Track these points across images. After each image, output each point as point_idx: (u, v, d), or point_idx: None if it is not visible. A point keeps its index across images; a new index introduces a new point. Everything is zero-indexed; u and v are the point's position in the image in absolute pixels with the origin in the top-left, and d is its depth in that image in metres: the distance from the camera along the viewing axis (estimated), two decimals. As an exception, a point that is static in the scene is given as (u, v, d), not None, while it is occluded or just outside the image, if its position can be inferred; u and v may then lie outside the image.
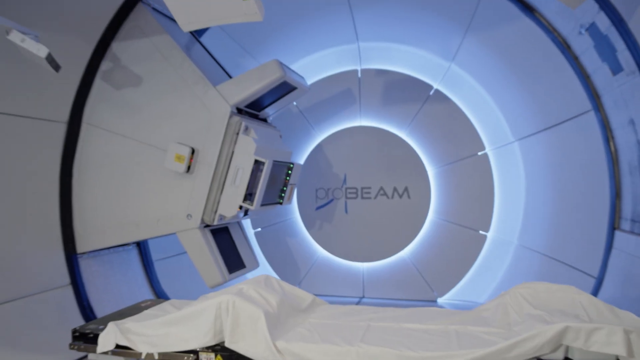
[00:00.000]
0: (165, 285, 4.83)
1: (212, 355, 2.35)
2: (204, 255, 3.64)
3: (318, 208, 5.56)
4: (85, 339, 2.64)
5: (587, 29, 3.33)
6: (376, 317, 2.72)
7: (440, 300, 5.23)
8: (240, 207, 3.56)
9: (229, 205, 3.51)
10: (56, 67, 2.79)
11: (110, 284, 4.22)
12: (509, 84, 4.68)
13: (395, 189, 5.29)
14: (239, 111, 3.63)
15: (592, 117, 3.67)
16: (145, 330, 2.42)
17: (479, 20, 4.33)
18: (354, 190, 5.43)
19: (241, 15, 2.43)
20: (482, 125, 5.10)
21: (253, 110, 3.89)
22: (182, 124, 3.57)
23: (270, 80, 3.44)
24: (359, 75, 5.45)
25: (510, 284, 4.87)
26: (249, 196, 3.50)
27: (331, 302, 5.38)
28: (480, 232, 5.10)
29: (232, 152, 3.48)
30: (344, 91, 5.51)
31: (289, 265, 5.72)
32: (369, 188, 5.38)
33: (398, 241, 5.30)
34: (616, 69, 3.22)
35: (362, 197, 5.41)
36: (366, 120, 5.46)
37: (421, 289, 5.27)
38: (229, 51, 4.85)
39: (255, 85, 3.44)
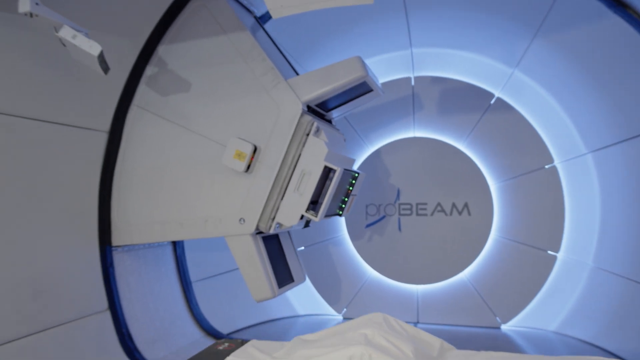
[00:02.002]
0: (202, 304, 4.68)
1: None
2: (254, 265, 3.39)
3: (368, 225, 5.35)
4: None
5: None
6: None
7: (504, 327, 4.93)
8: (302, 217, 3.34)
9: (290, 214, 3.27)
10: (106, 68, 2.70)
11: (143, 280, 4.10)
12: (582, 91, 4.42)
13: (454, 205, 5.05)
14: (308, 109, 3.41)
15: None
16: None
17: (552, 21, 4.11)
18: (408, 207, 5.21)
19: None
20: (550, 136, 4.84)
21: (321, 109, 3.67)
22: (244, 118, 3.34)
23: (351, 79, 3.22)
24: (412, 83, 5.27)
25: (585, 309, 4.56)
26: (311, 205, 3.26)
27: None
28: (549, 252, 4.80)
29: (299, 155, 3.24)
30: (395, 100, 5.34)
31: (335, 287, 5.51)
32: (425, 204, 5.16)
33: (457, 262, 5.03)
34: None
35: (418, 214, 5.18)
36: (421, 131, 5.26)
37: (483, 315, 4.97)
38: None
39: (333, 83, 3.22)
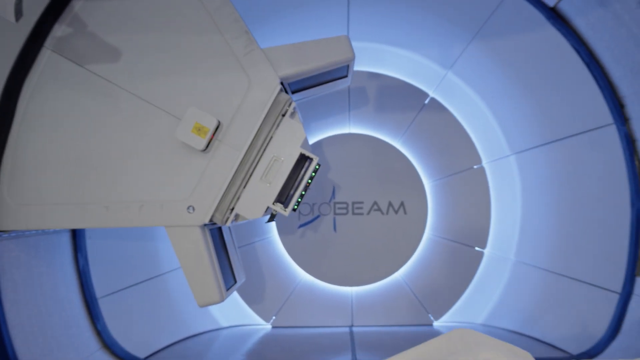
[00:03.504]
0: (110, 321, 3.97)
1: None
2: (202, 263, 2.91)
3: (301, 226, 5.10)
4: None
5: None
6: None
7: (436, 324, 5.10)
8: (266, 209, 2.96)
9: (254, 205, 2.86)
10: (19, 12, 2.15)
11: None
12: (511, 96, 4.79)
13: (390, 204, 5.07)
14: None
15: (613, 131, 3.86)
16: None
17: (491, 27, 4.37)
18: (344, 206, 5.09)
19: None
20: (479, 137, 5.16)
21: (285, 90, 3.31)
22: (205, 86, 2.83)
23: (337, 60, 2.91)
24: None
25: (509, 301, 4.94)
26: (277, 197, 2.90)
27: (315, 334, 4.97)
28: (477, 248, 5.11)
29: (270, 138, 2.86)
30: (330, 94, 5.17)
31: (263, 294, 5.13)
32: (362, 203, 5.09)
33: (393, 262, 5.06)
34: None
35: (354, 213, 5.09)
36: (356, 127, 5.19)
37: (417, 313, 5.08)
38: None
39: (317, 61, 2.88)
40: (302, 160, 2.92)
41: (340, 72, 3.22)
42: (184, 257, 2.92)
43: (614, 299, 3.90)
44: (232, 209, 2.88)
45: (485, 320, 5.01)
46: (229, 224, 2.92)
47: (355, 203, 5.09)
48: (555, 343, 4.33)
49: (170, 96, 2.83)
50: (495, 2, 4.16)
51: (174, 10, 2.87)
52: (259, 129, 2.80)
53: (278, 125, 2.85)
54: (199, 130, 2.68)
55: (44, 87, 2.87)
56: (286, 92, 3.21)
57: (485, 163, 5.16)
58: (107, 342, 3.91)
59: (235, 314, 5.13)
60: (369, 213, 5.09)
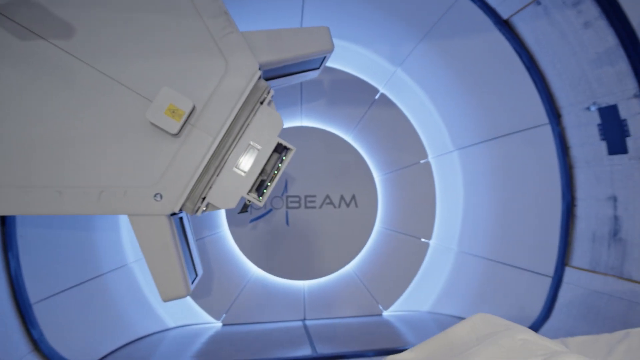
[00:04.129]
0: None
1: None
2: (168, 255, 2.76)
3: (253, 220, 5.02)
4: None
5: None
6: None
7: (385, 314, 5.29)
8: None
9: (227, 194, 2.75)
10: None
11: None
12: (455, 95, 5.08)
13: (342, 197, 5.16)
14: None
15: (548, 131, 4.25)
16: None
17: (440, 29, 4.59)
18: (297, 199, 5.09)
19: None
20: (425, 133, 5.41)
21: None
22: (178, 66, 2.66)
23: (317, 51, 2.88)
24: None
25: (453, 289, 5.26)
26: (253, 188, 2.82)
27: (269, 329, 4.95)
28: (423, 240, 5.37)
29: (247, 126, 2.76)
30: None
31: (213, 291, 4.99)
32: (314, 196, 5.12)
33: (345, 254, 5.17)
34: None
35: (306, 207, 5.10)
36: (308, 120, 5.20)
37: (367, 304, 5.23)
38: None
39: (297, 50, 2.83)
40: (278, 149, 2.88)
41: (313, 64, 3.21)
42: (148, 249, 2.74)
43: (547, 282, 4.32)
44: (204, 198, 2.75)
45: (431, 307, 5.30)
46: (199, 214, 2.80)
47: (307, 196, 5.12)
48: (496, 325, 4.70)
49: (139, 75, 2.63)
50: (447, 4, 4.38)
51: None
52: (236, 116, 2.70)
53: (255, 113, 2.76)
54: (173, 112, 2.52)
55: None
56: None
57: (431, 158, 5.43)
58: (45, 352, 3.59)
59: (183, 313, 4.93)
60: (321, 206, 5.14)
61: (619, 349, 1.88)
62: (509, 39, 4.23)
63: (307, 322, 5.04)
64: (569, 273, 4.23)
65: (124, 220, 4.83)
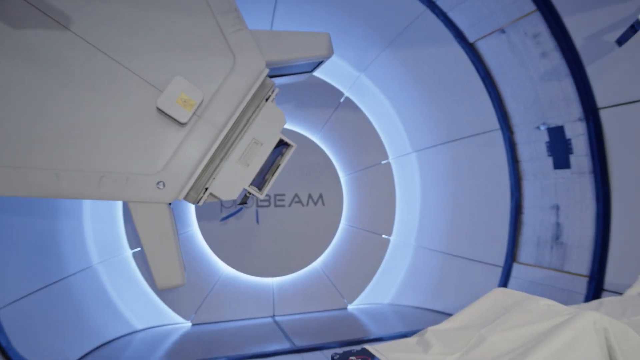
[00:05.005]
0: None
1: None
2: (167, 243, 2.81)
3: (223, 219, 5.08)
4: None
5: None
6: None
7: (350, 307, 5.57)
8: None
9: (230, 186, 2.85)
10: None
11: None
12: (414, 100, 5.49)
13: (310, 196, 5.38)
14: None
15: (499, 135, 4.77)
16: None
17: (405, 38, 4.97)
18: (267, 198, 5.23)
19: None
20: (386, 135, 5.78)
21: None
22: (187, 58, 2.72)
23: (317, 55, 3.05)
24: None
25: (412, 281, 5.67)
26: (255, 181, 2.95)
27: (240, 327, 5.04)
28: (384, 236, 5.73)
29: (252, 121, 2.87)
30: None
31: (182, 291, 4.98)
32: (283, 195, 5.29)
33: (312, 251, 5.38)
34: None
35: (276, 205, 5.26)
36: (277, 121, 5.35)
37: (333, 299, 5.48)
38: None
39: (300, 52, 2.98)
40: (279, 145, 3.03)
41: (308, 67, 3.40)
42: (147, 236, 2.78)
43: (498, 272, 4.83)
44: (207, 188, 2.84)
45: (392, 300, 5.66)
46: (201, 203, 2.89)
47: (277, 195, 5.28)
48: (455, 313, 5.15)
49: (149, 64, 2.67)
50: (412, 16, 4.76)
51: None
52: (243, 111, 2.81)
53: (261, 109, 2.89)
54: (185, 102, 2.60)
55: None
56: None
57: (391, 159, 5.81)
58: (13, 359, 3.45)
59: (151, 314, 4.88)
60: (290, 205, 5.32)
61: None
62: (467, 52, 4.69)
63: (277, 318, 5.19)
64: (516, 267, 4.75)
65: (87, 215, 4.69)
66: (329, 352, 4.13)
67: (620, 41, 2.94)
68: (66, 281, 4.26)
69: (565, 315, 1.81)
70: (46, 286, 4.05)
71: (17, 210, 3.91)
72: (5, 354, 3.40)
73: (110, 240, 4.86)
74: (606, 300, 2.45)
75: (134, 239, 4.88)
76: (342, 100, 5.60)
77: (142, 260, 4.90)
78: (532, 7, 3.68)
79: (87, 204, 4.71)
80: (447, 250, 5.35)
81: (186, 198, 2.81)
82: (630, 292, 2.67)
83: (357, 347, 2.07)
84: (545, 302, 2.03)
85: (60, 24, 2.53)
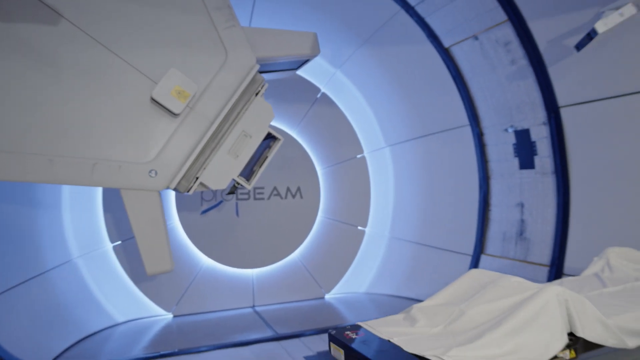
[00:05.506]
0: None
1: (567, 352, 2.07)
2: (157, 229, 2.90)
3: (204, 212, 5.18)
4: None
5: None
6: None
7: (327, 296, 5.79)
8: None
9: (219, 176, 2.98)
10: None
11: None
12: (388, 97, 5.74)
13: (288, 189, 5.55)
14: None
15: (468, 131, 5.07)
16: (485, 351, 1.93)
17: (380, 37, 5.20)
18: (246, 191, 5.36)
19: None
20: (361, 130, 6.01)
21: None
22: (181, 51, 2.82)
23: (304, 54, 3.19)
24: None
25: (386, 271, 5.94)
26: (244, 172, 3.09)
27: (221, 317, 5.17)
28: (360, 227, 5.97)
29: (242, 114, 2.99)
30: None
31: (162, 283, 5.06)
32: (262, 188, 5.44)
33: (290, 243, 5.56)
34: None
35: (255, 198, 5.40)
36: (256, 116, 5.48)
37: (311, 289, 5.69)
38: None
39: (287, 50, 3.12)
40: (267, 138, 3.19)
41: (294, 65, 3.56)
42: (138, 223, 2.86)
43: (467, 261, 5.15)
44: (197, 177, 2.95)
45: (368, 289, 5.92)
46: (191, 192, 3.00)
47: (256, 188, 5.42)
48: (427, 299, 5.46)
49: (144, 56, 2.76)
50: (387, 16, 4.98)
51: None
52: (234, 105, 2.93)
53: (251, 103, 3.03)
54: (179, 93, 2.71)
55: None
56: None
57: (366, 153, 6.05)
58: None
59: (132, 307, 4.94)
60: (269, 198, 5.47)
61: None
62: (439, 52, 4.96)
63: (257, 308, 5.35)
64: (484, 258, 5.07)
65: (66, 209, 4.69)
66: (307, 340, 4.32)
67: (578, 47, 3.24)
68: (46, 275, 4.28)
69: (533, 290, 2.08)
70: (26, 281, 4.06)
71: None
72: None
73: (90, 233, 4.88)
74: (566, 279, 2.78)
75: (114, 231, 4.92)
76: (319, 95, 5.78)
77: (122, 253, 4.94)
78: (504, 17, 3.98)
79: (66, 197, 4.71)
80: (420, 240, 5.64)
81: (177, 187, 2.93)
82: (586, 273, 3.01)
83: (351, 324, 2.28)
84: (516, 280, 2.32)
85: (56, 13, 2.59)
